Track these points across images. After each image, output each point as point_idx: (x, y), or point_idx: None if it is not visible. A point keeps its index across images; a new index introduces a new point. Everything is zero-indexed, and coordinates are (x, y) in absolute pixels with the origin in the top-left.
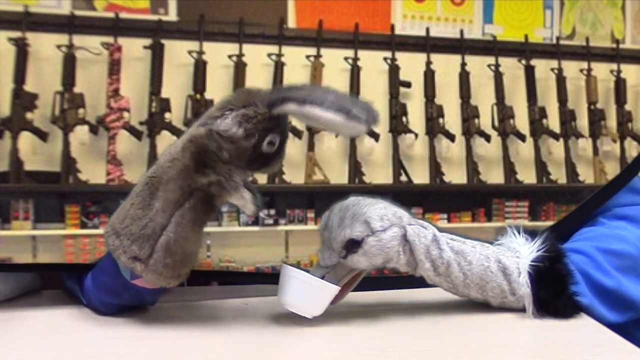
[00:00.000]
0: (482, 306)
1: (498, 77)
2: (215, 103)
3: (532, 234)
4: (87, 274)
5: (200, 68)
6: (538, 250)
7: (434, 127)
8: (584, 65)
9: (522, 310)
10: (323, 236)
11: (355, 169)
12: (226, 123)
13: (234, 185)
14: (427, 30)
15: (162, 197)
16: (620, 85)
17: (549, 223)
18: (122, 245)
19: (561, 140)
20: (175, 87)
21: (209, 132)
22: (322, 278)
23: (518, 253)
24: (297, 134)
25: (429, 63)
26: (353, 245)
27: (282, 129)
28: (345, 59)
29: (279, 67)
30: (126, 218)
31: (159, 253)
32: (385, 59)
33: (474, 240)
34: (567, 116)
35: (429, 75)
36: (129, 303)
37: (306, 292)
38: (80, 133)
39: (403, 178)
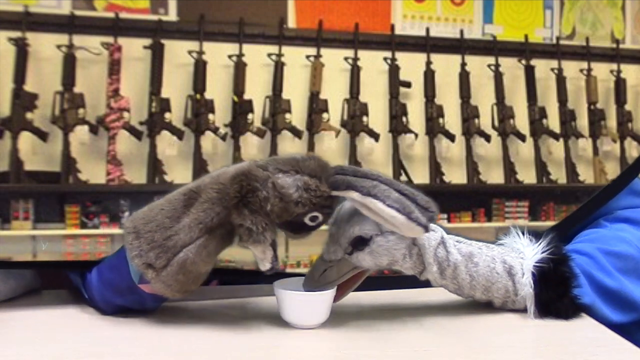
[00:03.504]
0: (483, 307)
1: (498, 77)
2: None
3: (536, 235)
4: (91, 269)
5: (200, 68)
6: (543, 252)
7: (434, 127)
8: (584, 65)
9: (524, 310)
10: (331, 230)
11: None
12: (286, 181)
13: (262, 240)
14: (427, 30)
15: (194, 215)
16: (620, 85)
17: (549, 223)
18: (140, 248)
19: (561, 140)
20: (175, 87)
21: (266, 178)
22: (324, 272)
23: (522, 254)
24: (297, 133)
25: (429, 63)
26: (360, 243)
27: (331, 210)
28: (345, 59)
29: (279, 67)
30: (152, 222)
31: (173, 267)
32: (385, 59)
33: (479, 242)
34: (567, 116)
35: (429, 75)
36: (130, 305)
37: (304, 307)
38: (80, 133)
39: (403, 178)
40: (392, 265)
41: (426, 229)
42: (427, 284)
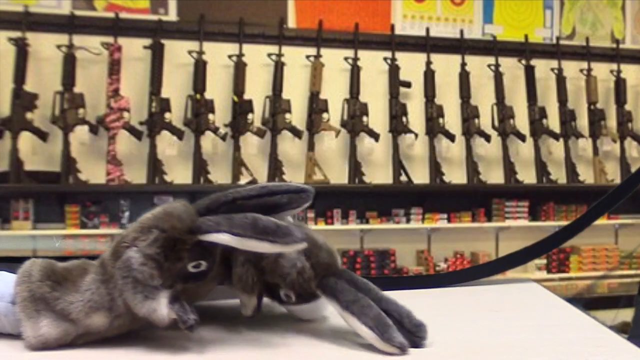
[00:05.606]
0: (481, 307)
1: (498, 77)
2: (213, 101)
3: None
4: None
5: (200, 68)
6: None
7: (434, 127)
8: (584, 65)
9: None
10: None
11: (355, 169)
12: (290, 254)
13: (249, 290)
14: (427, 30)
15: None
16: (620, 85)
17: (549, 223)
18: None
19: (561, 140)
20: (175, 87)
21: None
22: None
23: None
24: (297, 133)
25: (429, 63)
26: None
27: (307, 303)
28: (345, 59)
29: (279, 67)
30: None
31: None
32: (385, 59)
33: None
34: (567, 116)
35: (429, 75)
36: None
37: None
38: (80, 133)
39: (403, 178)
40: None
41: (402, 350)
42: (425, 284)
